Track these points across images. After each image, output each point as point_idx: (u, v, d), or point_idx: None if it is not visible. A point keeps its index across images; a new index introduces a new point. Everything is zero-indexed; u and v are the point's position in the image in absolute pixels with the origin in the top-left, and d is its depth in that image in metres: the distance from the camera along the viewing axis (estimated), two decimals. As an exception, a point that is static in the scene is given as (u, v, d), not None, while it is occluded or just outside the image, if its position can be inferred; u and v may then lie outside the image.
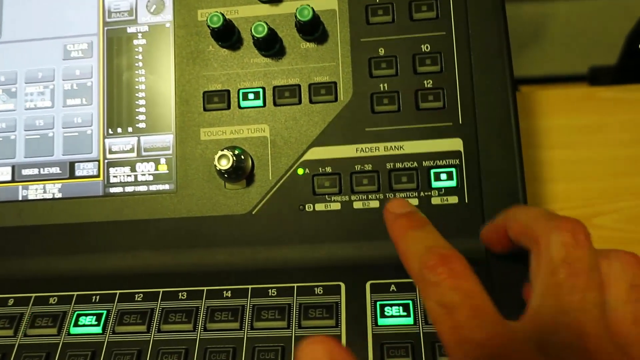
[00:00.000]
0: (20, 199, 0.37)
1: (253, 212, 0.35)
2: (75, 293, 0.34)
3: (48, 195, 0.37)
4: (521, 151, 0.33)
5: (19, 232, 0.36)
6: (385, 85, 0.35)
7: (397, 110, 0.35)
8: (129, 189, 0.36)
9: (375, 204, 0.34)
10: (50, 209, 0.37)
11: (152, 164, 0.36)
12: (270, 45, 0.35)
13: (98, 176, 0.37)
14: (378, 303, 0.31)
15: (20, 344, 0.32)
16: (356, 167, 0.34)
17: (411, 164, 0.34)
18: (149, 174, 0.36)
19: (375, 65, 0.35)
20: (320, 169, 0.35)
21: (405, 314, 0.31)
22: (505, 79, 0.34)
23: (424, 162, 0.34)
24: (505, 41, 0.34)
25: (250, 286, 0.33)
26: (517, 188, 0.33)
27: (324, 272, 0.33)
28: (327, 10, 0.36)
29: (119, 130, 0.37)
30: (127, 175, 0.36)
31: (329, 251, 0.34)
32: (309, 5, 0.34)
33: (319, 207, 0.34)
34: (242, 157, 0.34)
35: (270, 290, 0.32)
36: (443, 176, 0.34)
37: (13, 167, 0.37)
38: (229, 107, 0.36)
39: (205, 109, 0.36)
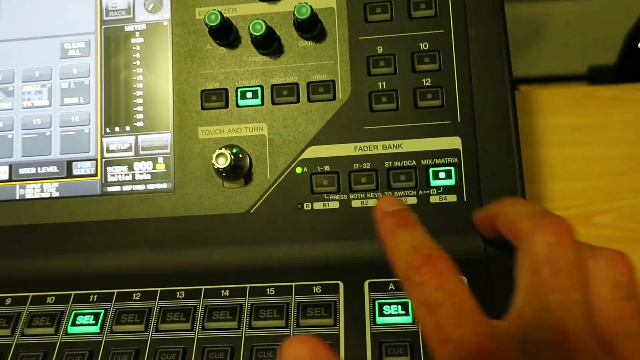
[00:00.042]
0: (17, 198, 0.37)
1: (251, 211, 0.35)
2: (73, 292, 0.34)
3: (45, 195, 0.37)
4: (520, 150, 0.33)
5: (16, 231, 0.36)
6: (384, 83, 0.35)
7: (396, 108, 0.34)
8: (126, 188, 0.36)
9: (373, 202, 0.34)
10: (47, 208, 0.36)
11: (149, 162, 0.36)
12: (268, 44, 0.35)
13: (95, 175, 0.37)
14: (376, 302, 0.31)
15: (17, 344, 0.32)
16: (354, 165, 0.34)
17: (410, 163, 0.34)
18: (147, 173, 0.36)
19: (374, 64, 0.35)
20: (318, 167, 0.35)
21: (403, 312, 0.30)
22: (504, 77, 0.34)
23: (422, 161, 0.34)
24: (504, 39, 0.34)
25: (248, 285, 0.33)
26: (516, 187, 0.33)
27: (322, 271, 0.33)
28: (325, 9, 0.36)
29: (117, 129, 0.37)
30: (125, 174, 0.36)
31: (328, 250, 0.34)
32: (307, 3, 0.34)
33: (317, 205, 0.34)
34: (240, 155, 0.34)
35: (268, 289, 0.32)
36: (442, 175, 0.34)
37: (10, 166, 0.37)
38: (226, 106, 0.36)
39: (203, 108, 0.36)
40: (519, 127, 0.34)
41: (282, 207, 0.34)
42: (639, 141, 0.47)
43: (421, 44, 0.35)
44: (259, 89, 0.36)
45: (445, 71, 0.34)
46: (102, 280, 0.34)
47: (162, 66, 0.37)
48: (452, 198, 0.33)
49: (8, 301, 0.34)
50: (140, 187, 0.36)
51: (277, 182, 0.35)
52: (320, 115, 0.35)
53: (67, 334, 0.32)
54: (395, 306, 0.31)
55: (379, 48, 0.35)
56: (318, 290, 0.32)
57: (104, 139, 0.37)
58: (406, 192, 0.34)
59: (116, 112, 0.37)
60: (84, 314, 0.33)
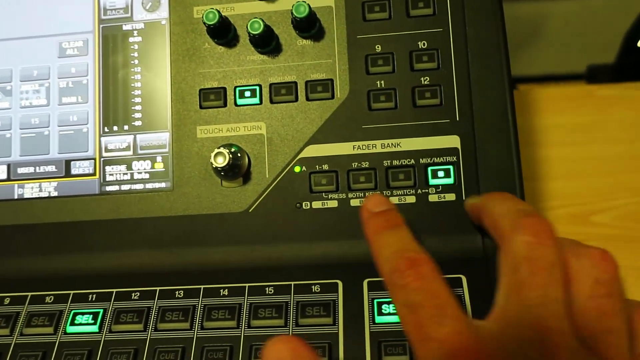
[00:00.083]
0: (16, 197, 0.37)
1: (250, 210, 0.35)
2: (72, 292, 0.34)
3: (44, 194, 0.37)
4: (519, 149, 0.33)
5: (14, 230, 0.36)
6: (382, 82, 0.35)
7: (394, 107, 0.34)
8: (125, 187, 0.36)
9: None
10: (46, 207, 0.36)
11: (148, 162, 0.36)
12: (267, 42, 0.35)
13: (94, 174, 0.36)
14: (375, 301, 0.31)
15: (16, 343, 0.32)
16: (353, 164, 0.34)
17: (408, 162, 0.34)
18: (145, 172, 0.36)
19: (372, 62, 0.35)
20: (317, 166, 0.35)
21: (402, 311, 0.30)
22: (503, 76, 0.34)
23: (421, 160, 0.34)
24: (502, 37, 0.34)
25: (247, 284, 0.33)
26: (515, 186, 0.33)
27: (321, 270, 0.33)
28: (323, 7, 0.36)
29: (115, 128, 0.37)
30: (123, 174, 0.36)
31: (326, 249, 0.34)
32: (305, 2, 0.34)
33: (316, 204, 0.34)
34: (239, 154, 0.34)
35: (267, 289, 0.32)
36: (440, 173, 0.34)
37: (9, 166, 0.37)
38: (225, 105, 0.36)
39: (201, 107, 0.36)
40: (518, 126, 0.34)
41: (280, 206, 0.34)
42: (638, 140, 0.47)
43: (419, 43, 0.35)
44: (257, 87, 0.36)
45: (443, 70, 0.34)
46: (101, 280, 0.34)
47: (160, 65, 0.37)
48: (450, 197, 0.33)
49: (7, 301, 0.34)
50: (139, 186, 0.36)
51: (276, 181, 0.35)
52: (318, 114, 0.35)
53: (66, 333, 0.32)
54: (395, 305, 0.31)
55: (378, 47, 0.35)
56: (317, 289, 0.32)
57: (102, 138, 0.37)
58: (405, 191, 0.34)
59: (114, 111, 0.37)
60: (82, 314, 0.33)
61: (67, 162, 0.37)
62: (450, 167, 0.34)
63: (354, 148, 0.34)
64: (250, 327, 0.31)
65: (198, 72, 0.36)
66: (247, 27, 0.34)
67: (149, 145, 0.36)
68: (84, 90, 0.37)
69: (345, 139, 0.35)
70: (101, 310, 0.33)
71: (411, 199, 0.34)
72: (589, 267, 0.24)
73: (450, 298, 0.24)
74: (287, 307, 0.31)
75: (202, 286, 0.33)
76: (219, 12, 0.34)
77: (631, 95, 0.48)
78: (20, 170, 0.37)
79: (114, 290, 0.34)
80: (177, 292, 0.33)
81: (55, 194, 0.37)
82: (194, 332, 0.31)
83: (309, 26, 0.35)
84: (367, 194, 0.34)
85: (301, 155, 0.35)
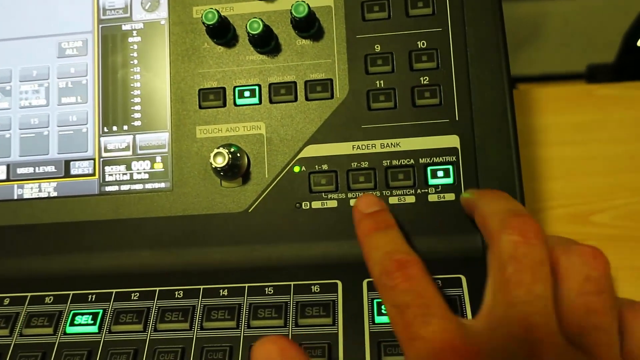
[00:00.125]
0: (15, 197, 0.37)
1: (249, 210, 0.35)
2: (71, 292, 0.34)
3: (43, 194, 0.37)
4: (518, 148, 0.33)
5: (14, 231, 0.36)
6: (382, 82, 0.35)
7: (394, 107, 0.34)
8: (124, 187, 0.36)
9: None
10: (45, 207, 0.36)
11: (147, 162, 0.36)
12: (266, 42, 0.35)
13: (93, 175, 0.36)
14: (375, 301, 0.31)
15: (16, 344, 0.32)
16: (352, 164, 0.34)
17: (408, 161, 0.34)
18: (145, 172, 0.36)
19: (371, 62, 0.35)
20: (316, 166, 0.34)
21: (402, 311, 0.30)
22: (502, 75, 0.34)
23: (420, 159, 0.34)
24: (501, 37, 0.34)
25: (246, 285, 0.33)
26: (514, 185, 0.33)
27: (320, 270, 0.33)
28: (322, 7, 0.36)
29: (115, 128, 0.37)
30: (123, 174, 0.36)
31: (326, 249, 0.34)
32: (304, 2, 0.34)
33: (316, 204, 0.34)
34: (238, 154, 0.34)
35: (266, 289, 0.32)
36: (440, 173, 0.34)
37: (8, 166, 0.37)
38: (224, 105, 0.36)
39: (200, 107, 0.36)
40: (518, 126, 0.34)
41: (280, 206, 0.34)
42: (637, 139, 0.47)
43: (419, 43, 0.35)
44: (256, 87, 0.36)
45: (443, 70, 0.34)
46: (101, 280, 0.34)
47: (159, 65, 0.37)
48: (450, 197, 0.33)
49: (6, 301, 0.34)
50: (138, 186, 0.36)
51: (275, 181, 0.35)
52: (318, 114, 0.35)
53: (65, 334, 0.32)
54: (394, 305, 0.31)
55: (377, 46, 0.35)
56: (317, 289, 0.32)
57: (101, 139, 0.37)
58: (404, 190, 0.34)
59: (114, 111, 0.37)
60: (82, 314, 0.33)
61: (67, 163, 0.37)
62: (450, 167, 0.34)
63: (353, 148, 0.34)
64: (250, 328, 0.31)
65: (197, 72, 0.36)
66: (246, 27, 0.34)
67: (148, 145, 0.36)
68: (83, 91, 0.37)
69: (344, 138, 0.35)
70: (101, 311, 0.33)
71: (411, 199, 0.34)
72: (580, 264, 0.24)
73: (437, 297, 0.24)
74: (286, 308, 0.31)
75: (201, 286, 0.33)
76: (218, 12, 0.34)
77: (631, 94, 0.48)
78: (20, 171, 0.37)
79: (114, 290, 0.34)
80: (176, 293, 0.33)
81: (54, 194, 0.37)
82: (194, 333, 0.31)
83: (308, 26, 0.35)
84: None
85: (301, 155, 0.35)
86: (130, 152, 0.36)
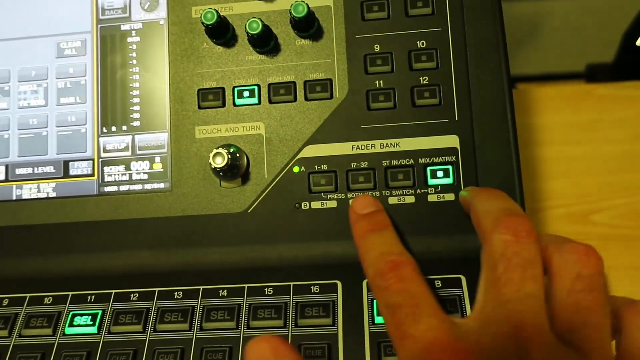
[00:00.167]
0: (14, 198, 0.37)
1: (249, 211, 0.35)
2: (70, 293, 0.34)
3: (42, 195, 0.37)
4: (518, 148, 0.33)
5: (13, 231, 0.36)
6: (381, 82, 0.35)
7: (393, 107, 0.34)
8: (123, 187, 0.36)
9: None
10: (44, 208, 0.36)
11: (146, 162, 0.36)
12: (265, 42, 0.35)
13: (92, 175, 0.36)
14: (375, 301, 0.31)
15: (15, 345, 0.32)
16: (352, 164, 0.34)
17: (407, 161, 0.34)
18: (144, 173, 0.36)
19: (371, 62, 0.35)
20: (316, 166, 0.34)
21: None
22: (502, 75, 0.34)
23: (420, 159, 0.34)
24: (501, 37, 0.34)
25: (246, 285, 0.33)
26: (514, 185, 0.33)
27: (320, 271, 0.33)
28: (322, 7, 0.36)
29: (114, 128, 0.37)
30: (122, 174, 0.36)
31: (326, 249, 0.34)
32: (303, 2, 0.34)
33: (315, 205, 0.34)
34: (238, 155, 0.34)
35: (266, 289, 0.32)
36: (439, 173, 0.34)
37: (7, 167, 0.37)
38: (223, 105, 0.36)
39: (200, 107, 0.36)
40: (517, 125, 0.34)
41: (279, 207, 0.34)
42: (637, 139, 0.47)
43: (418, 42, 0.35)
44: (255, 87, 0.36)
45: (442, 69, 0.34)
46: (100, 281, 0.34)
47: (158, 65, 0.37)
48: (450, 197, 0.33)
49: (5, 302, 0.34)
50: (138, 187, 0.36)
51: (275, 182, 0.35)
52: (317, 114, 0.35)
53: (64, 334, 0.32)
54: (394, 305, 0.31)
55: (376, 46, 0.35)
56: (316, 289, 0.32)
57: (100, 139, 0.37)
58: (404, 191, 0.34)
59: (113, 111, 0.37)
60: (81, 315, 0.33)
61: (66, 163, 0.37)
62: (449, 167, 0.34)
63: (352, 148, 0.34)
64: (250, 328, 0.31)
65: (196, 72, 0.36)
66: (245, 27, 0.34)
67: (147, 145, 0.36)
68: (82, 91, 0.37)
69: (344, 139, 0.34)
70: (100, 312, 0.33)
71: (410, 199, 0.33)
72: (572, 262, 0.24)
73: (428, 297, 0.25)
74: (286, 308, 0.31)
75: (201, 287, 0.33)
76: (217, 11, 0.34)
77: (630, 94, 0.48)
78: (19, 171, 0.37)
79: (113, 291, 0.34)
80: (176, 293, 0.33)
81: (53, 194, 0.36)
82: (193, 333, 0.31)
83: (307, 26, 0.35)
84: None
85: (300, 156, 0.35)
86: (129, 153, 0.36)
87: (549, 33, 0.89)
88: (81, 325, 0.32)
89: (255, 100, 0.35)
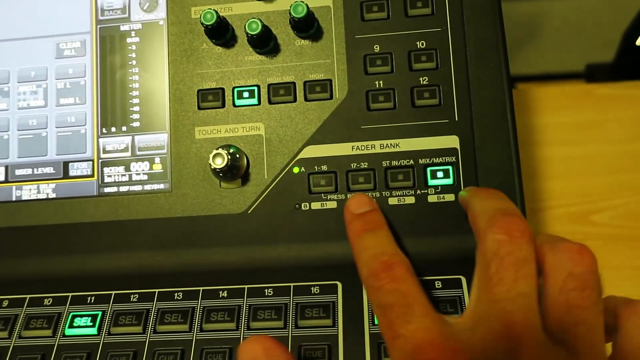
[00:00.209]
0: (14, 199, 0.37)
1: (249, 211, 0.35)
2: (70, 294, 0.34)
3: (42, 196, 0.36)
4: (518, 148, 0.33)
5: (12, 232, 0.36)
6: (381, 82, 0.35)
7: (393, 107, 0.34)
8: (123, 188, 0.36)
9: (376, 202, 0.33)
10: (44, 209, 0.36)
11: (146, 163, 0.36)
12: (265, 43, 0.35)
13: (92, 176, 0.36)
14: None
15: (15, 346, 0.32)
16: (352, 165, 0.34)
17: (407, 162, 0.34)
18: (144, 174, 0.36)
19: (371, 62, 0.35)
20: (316, 167, 0.34)
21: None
22: (502, 75, 0.34)
23: (420, 160, 0.34)
24: (501, 37, 0.34)
25: (246, 286, 0.33)
26: (514, 185, 0.33)
27: (320, 271, 0.33)
28: (321, 7, 0.36)
29: (113, 129, 0.37)
30: (122, 175, 0.36)
31: (326, 250, 0.34)
32: (303, 2, 0.34)
33: (315, 205, 0.34)
34: (237, 155, 0.34)
35: (266, 290, 0.32)
36: (439, 174, 0.34)
37: (6, 167, 0.37)
38: (223, 106, 0.36)
39: (199, 108, 0.36)
40: (517, 125, 0.34)
41: (279, 207, 0.34)
42: (637, 139, 0.47)
43: (418, 43, 0.35)
44: (255, 88, 0.36)
45: (442, 70, 0.34)
46: (100, 282, 0.34)
47: (158, 66, 0.37)
48: (450, 197, 0.33)
49: (5, 303, 0.34)
50: (137, 187, 0.36)
51: (275, 182, 0.35)
52: (317, 114, 0.35)
53: (64, 336, 0.32)
54: (394, 306, 0.31)
55: (376, 47, 0.35)
56: (316, 290, 0.32)
57: (100, 140, 0.37)
58: (404, 191, 0.34)
59: (112, 112, 0.37)
60: (81, 316, 0.33)
61: (65, 164, 0.37)
62: (450, 167, 0.34)
63: (352, 148, 0.34)
64: (250, 329, 0.31)
65: (196, 72, 0.36)
66: (245, 28, 0.34)
67: (147, 146, 0.36)
68: (81, 91, 0.37)
69: (344, 139, 0.34)
70: (100, 313, 0.33)
71: (410, 200, 0.33)
72: (564, 260, 0.24)
73: (420, 297, 0.25)
74: (286, 309, 0.31)
75: (201, 288, 0.33)
76: (216, 12, 0.34)
77: (630, 94, 0.48)
78: (18, 172, 0.37)
79: (113, 292, 0.34)
80: (176, 294, 0.33)
81: (53, 195, 0.36)
82: (193, 334, 0.31)
83: (307, 26, 0.35)
84: (366, 194, 0.34)
85: (300, 156, 0.35)
86: (129, 153, 0.36)
87: (549, 33, 0.89)
88: (81, 327, 0.32)
89: (255, 100, 0.35)
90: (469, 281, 0.31)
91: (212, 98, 0.36)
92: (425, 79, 0.34)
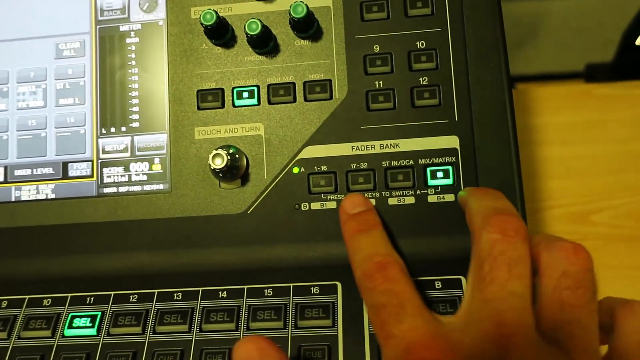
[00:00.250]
0: (13, 199, 0.37)
1: (248, 212, 0.35)
2: (70, 294, 0.34)
3: (41, 196, 0.36)
4: (518, 148, 0.33)
5: (12, 233, 0.36)
6: (381, 82, 0.35)
7: (393, 107, 0.34)
8: (122, 189, 0.36)
9: (371, 202, 0.33)
10: (43, 209, 0.36)
11: (146, 163, 0.36)
12: (264, 43, 0.35)
13: (91, 176, 0.36)
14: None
15: (14, 347, 0.32)
16: (352, 165, 0.34)
17: (407, 162, 0.34)
18: (143, 174, 0.36)
19: (370, 63, 0.35)
20: (315, 167, 0.34)
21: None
22: (502, 75, 0.34)
23: (420, 160, 0.34)
24: (501, 37, 0.34)
25: (246, 286, 0.33)
26: (514, 185, 0.33)
27: (320, 272, 0.33)
28: (321, 7, 0.36)
29: (113, 129, 0.37)
30: (121, 175, 0.36)
31: (325, 250, 0.33)
32: (303, 2, 0.34)
33: (315, 206, 0.34)
34: (237, 156, 0.34)
35: (266, 290, 0.32)
36: (439, 174, 0.34)
37: (6, 168, 0.37)
38: (223, 106, 0.36)
39: (199, 108, 0.36)
40: (517, 125, 0.34)
41: (279, 208, 0.34)
42: (636, 139, 0.47)
43: (418, 43, 0.35)
44: (255, 88, 0.35)
45: (442, 70, 0.34)
46: (99, 282, 0.34)
47: (157, 66, 0.37)
48: (450, 197, 0.33)
49: (4, 304, 0.34)
50: (137, 188, 0.36)
51: (274, 183, 0.35)
52: (317, 114, 0.35)
53: (63, 336, 0.32)
54: (394, 306, 0.31)
55: (376, 47, 0.35)
56: (316, 291, 0.32)
57: (99, 140, 0.37)
58: (404, 191, 0.34)
59: (112, 112, 0.37)
60: (80, 317, 0.33)
61: (65, 164, 0.37)
62: (449, 167, 0.33)
63: (352, 149, 0.34)
64: (250, 330, 0.31)
65: (196, 73, 0.36)
66: (244, 28, 0.34)
67: (146, 146, 0.36)
68: (81, 92, 0.37)
69: (343, 139, 0.34)
70: (99, 313, 0.33)
71: (410, 200, 0.33)
72: (559, 259, 0.24)
73: (412, 297, 0.25)
74: (286, 309, 0.31)
75: (200, 288, 0.33)
76: (216, 12, 0.34)
77: (630, 94, 0.48)
78: (17, 173, 0.37)
79: (112, 292, 0.33)
80: (175, 295, 0.33)
81: (52, 196, 0.36)
82: (193, 335, 0.31)
83: (306, 26, 0.35)
84: (366, 195, 0.34)
85: (300, 156, 0.35)
86: (128, 154, 0.36)
87: (549, 33, 0.89)
88: (80, 327, 0.32)
89: (254, 101, 0.35)
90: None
91: (211, 98, 0.36)
92: (425, 79, 0.34)
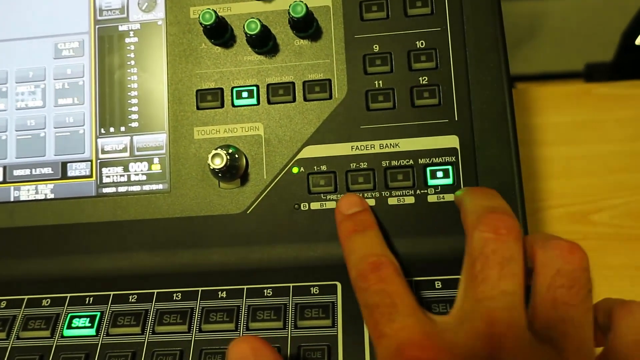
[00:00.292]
0: (12, 200, 0.37)
1: (248, 212, 0.34)
2: (69, 295, 0.34)
3: (40, 196, 0.36)
4: (517, 148, 0.33)
5: (11, 233, 0.36)
6: (380, 82, 0.35)
7: (392, 107, 0.34)
8: (122, 189, 0.36)
9: (371, 202, 0.33)
10: (42, 209, 0.36)
11: (145, 163, 0.36)
12: (264, 43, 0.35)
13: (91, 176, 0.36)
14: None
15: (13, 347, 0.32)
16: (351, 165, 0.34)
17: (407, 162, 0.34)
18: (142, 174, 0.36)
19: (370, 62, 0.35)
20: (315, 167, 0.34)
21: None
22: (501, 74, 0.34)
23: (419, 160, 0.34)
24: (500, 37, 0.34)
25: (245, 286, 0.33)
26: (514, 185, 0.33)
27: (320, 272, 0.33)
28: (320, 7, 0.36)
29: (112, 129, 0.36)
30: (120, 175, 0.36)
31: (325, 250, 0.33)
32: (302, 2, 0.34)
33: (315, 206, 0.34)
34: (236, 156, 0.34)
35: (265, 290, 0.32)
36: (439, 174, 0.33)
37: (4, 168, 0.37)
38: (222, 106, 0.36)
39: (198, 108, 0.36)
40: (517, 125, 0.34)
41: (278, 208, 0.34)
42: (636, 138, 0.47)
43: (417, 42, 0.35)
44: (254, 88, 0.35)
45: (442, 69, 0.34)
46: (98, 283, 0.34)
47: (156, 66, 0.37)
48: (449, 197, 0.33)
49: (3, 304, 0.34)
50: (136, 188, 0.36)
51: (274, 183, 0.35)
52: (316, 114, 0.35)
53: (62, 337, 0.32)
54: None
55: (375, 46, 0.35)
56: (316, 291, 0.32)
57: (98, 140, 0.37)
58: (404, 191, 0.34)
59: (111, 112, 0.37)
60: (79, 317, 0.33)
61: (64, 164, 0.37)
62: (449, 167, 0.33)
63: (352, 149, 0.34)
64: (249, 330, 0.31)
65: (195, 72, 0.36)
66: (244, 28, 0.34)
67: (145, 146, 0.36)
68: (80, 92, 0.37)
69: (343, 139, 0.34)
70: (98, 314, 0.32)
71: (410, 200, 0.33)
72: (554, 258, 0.24)
73: (405, 297, 0.25)
74: (285, 309, 0.31)
75: (200, 288, 0.33)
76: (215, 12, 0.34)
77: (629, 93, 0.48)
78: (16, 173, 0.37)
79: (111, 293, 0.33)
80: (174, 295, 0.33)
81: (51, 196, 0.36)
82: (192, 335, 0.31)
83: (306, 26, 0.35)
84: (366, 195, 0.34)
85: (299, 156, 0.35)
86: (127, 154, 0.36)
87: (548, 33, 0.89)
88: (79, 327, 0.32)
89: (254, 100, 0.35)
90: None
91: (211, 98, 0.36)
92: (424, 78, 0.34)
